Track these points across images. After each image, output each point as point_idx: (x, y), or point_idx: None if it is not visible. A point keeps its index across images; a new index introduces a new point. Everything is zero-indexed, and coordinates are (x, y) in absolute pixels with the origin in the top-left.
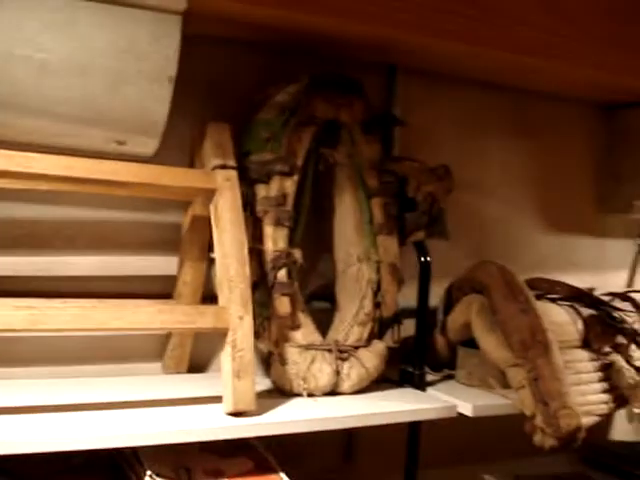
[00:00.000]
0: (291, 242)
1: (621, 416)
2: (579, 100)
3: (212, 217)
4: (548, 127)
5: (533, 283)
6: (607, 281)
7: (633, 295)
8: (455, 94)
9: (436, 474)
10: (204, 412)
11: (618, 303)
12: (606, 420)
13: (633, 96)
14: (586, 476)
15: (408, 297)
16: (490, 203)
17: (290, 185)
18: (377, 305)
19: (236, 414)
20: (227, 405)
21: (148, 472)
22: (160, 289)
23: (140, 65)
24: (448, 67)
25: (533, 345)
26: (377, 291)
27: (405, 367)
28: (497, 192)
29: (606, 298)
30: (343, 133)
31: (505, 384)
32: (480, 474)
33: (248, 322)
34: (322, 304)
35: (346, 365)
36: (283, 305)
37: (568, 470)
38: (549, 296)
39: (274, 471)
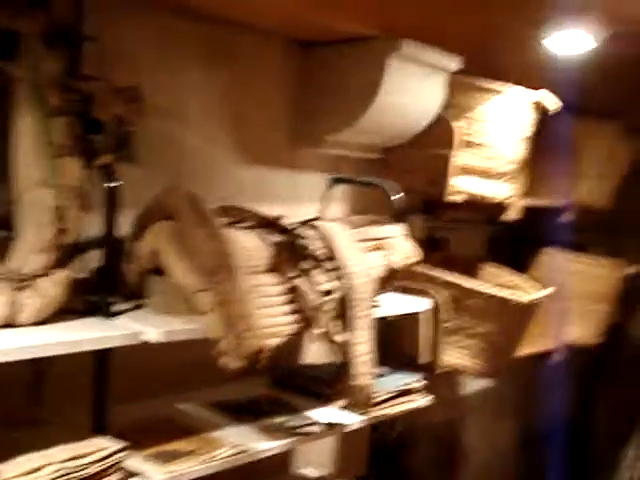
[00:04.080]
0: None
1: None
2: (277, 34)
3: None
4: (245, 60)
5: (224, 211)
6: (300, 212)
7: (318, 223)
8: (153, 17)
9: (131, 408)
10: None
11: (305, 231)
12: (296, 344)
13: (329, 34)
14: (276, 398)
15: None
16: (187, 132)
17: None
18: (60, 232)
19: None
20: None
21: None
22: None
23: None
24: None
25: (219, 270)
26: (60, 218)
27: (91, 297)
28: (194, 121)
29: (294, 226)
30: (23, 45)
31: (194, 310)
32: (176, 404)
33: None
34: (1, 233)
35: (24, 295)
36: None
37: (261, 393)
38: (240, 224)
39: None
